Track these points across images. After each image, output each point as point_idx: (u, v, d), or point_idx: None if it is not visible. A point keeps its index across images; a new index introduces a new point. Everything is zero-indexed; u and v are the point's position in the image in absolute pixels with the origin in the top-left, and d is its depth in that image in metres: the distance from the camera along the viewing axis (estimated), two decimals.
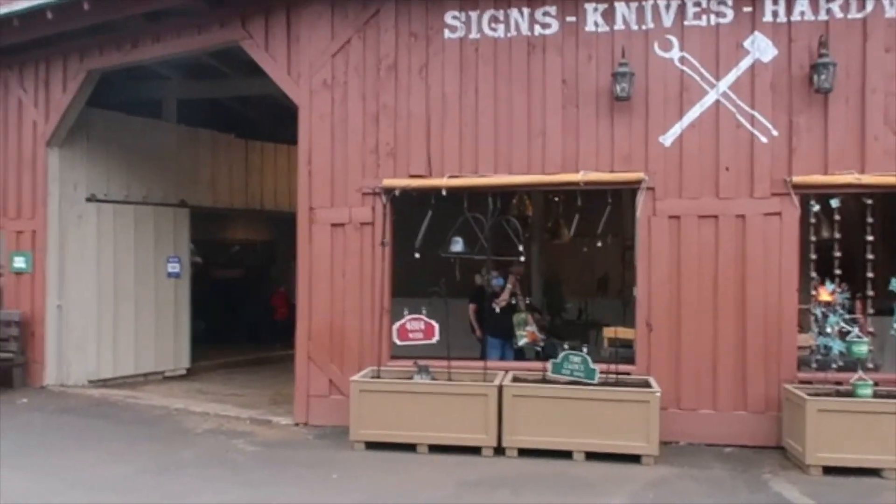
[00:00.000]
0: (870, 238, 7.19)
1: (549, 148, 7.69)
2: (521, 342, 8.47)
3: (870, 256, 7.20)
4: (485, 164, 7.79)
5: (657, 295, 7.47)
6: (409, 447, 6.91)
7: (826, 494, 5.82)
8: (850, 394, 6.55)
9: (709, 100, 7.44)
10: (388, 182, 7.87)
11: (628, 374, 7.34)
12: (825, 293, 6.91)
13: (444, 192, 7.71)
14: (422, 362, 7.35)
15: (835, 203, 7.10)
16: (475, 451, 6.81)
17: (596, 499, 5.73)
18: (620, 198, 8.27)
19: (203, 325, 12.43)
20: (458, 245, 7.76)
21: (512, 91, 7.77)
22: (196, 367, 11.32)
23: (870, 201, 7.20)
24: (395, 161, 7.97)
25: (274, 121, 13.03)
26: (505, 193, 8.30)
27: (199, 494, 5.80)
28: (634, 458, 6.60)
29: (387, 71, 8.03)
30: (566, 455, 6.68)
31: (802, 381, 7.12)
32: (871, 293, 7.13)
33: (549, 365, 7.05)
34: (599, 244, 7.91)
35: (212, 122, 12.23)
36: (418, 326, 7.17)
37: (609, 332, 8.12)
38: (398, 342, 7.28)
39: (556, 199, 11.72)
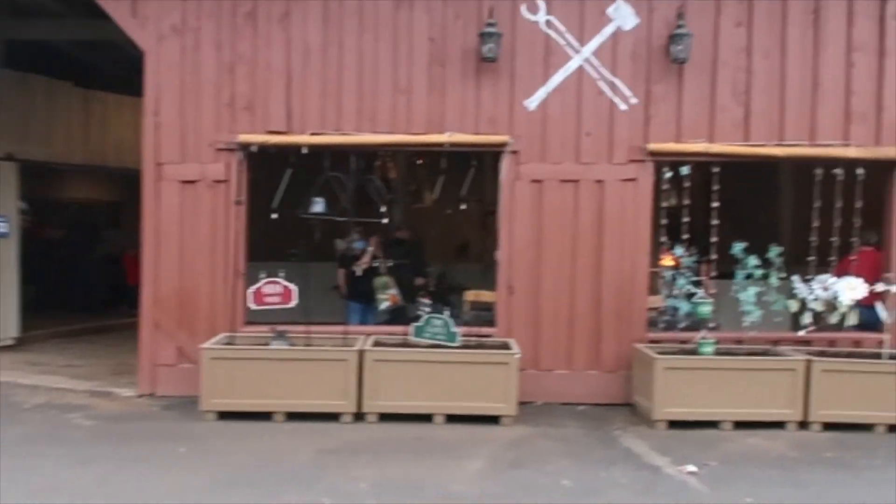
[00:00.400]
0: (715, 205, 7.55)
1: (415, 107, 7.50)
2: (383, 306, 8.32)
3: (714, 222, 7.57)
4: (348, 122, 7.49)
5: (518, 258, 7.52)
6: (266, 416, 6.60)
7: (671, 447, 6.10)
8: (695, 352, 6.90)
9: (573, 65, 7.50)
10: (244, 137, 7.40)
11: (489, 336, 7.38)
12: (669, 258, 7.23)
13: (304, 150, 7.35)
14: (279, 328, 7.03)
15: (685, 170, 7.38)
16: (335, 417, 6.62)
17: (455, 461, 5.70)
18: (483, 161, 8.25)
19: (35, 290, 11.35)
20: (318, 205, 7.44)
21: (378, 47, 7.49)
22: (27, 337, 10.31)
23: (716, 170, 7.54)
24: (253, 115, 7.50)
25: (120, 69, 11.98)
26: (369, 153, 8.07)
27: (26, 474, 5.24)
28: (494, 420, 6.64)
29: (244, 18, 7.50)
30: (427, 419, 6.63)
31: (652, 341, 7.42)
32: (714, 257, 7.49)
33: (411, 328, 6.94)
34: (463, 207, 7.87)
35: (46, 67, 11.06)
36: (275, 290, 6.83)
37: (471, 295, 8.13)
38: (253, 307, 6.91)
39: (420, 161, 11.61)
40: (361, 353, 6.67)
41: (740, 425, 6.66)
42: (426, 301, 7.54)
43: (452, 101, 7.50)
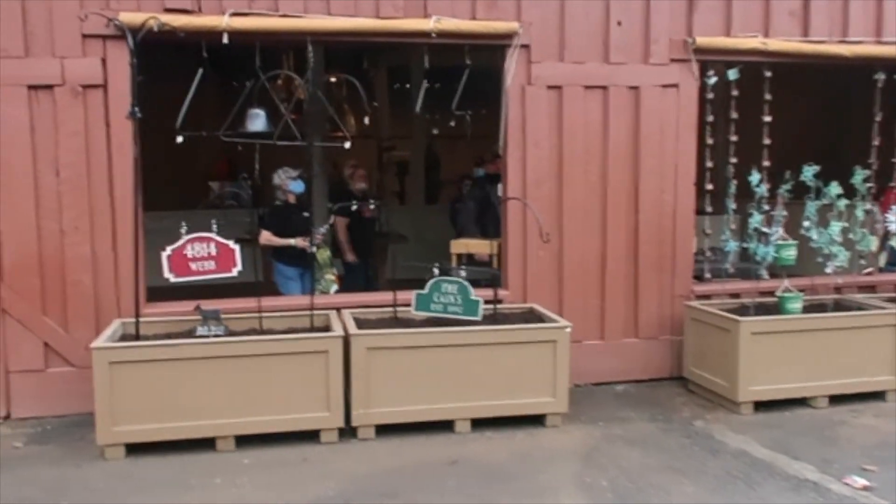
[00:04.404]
0: (767, 119, 5.96)
1: None
2: (332, 290, 5.97)
3: (766, 141, 5.99)
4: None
5: (533, 194, 5.54)
6: (204, 444, 4.31)
7: (788, 443, 4.50)
8: (775, 309, 5.32)
9: None
10: (128, 17, 4.80)
11: (500, 301, 5.40)
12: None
13: (224, 39, 4.90)
14: (206, 305, 4.68)
15: (733, 75, 5.68)
16: (310, 436, 4.44)
17: (537, 499, 3.75)
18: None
19: None
20: (258, 121, 5.01)
21: None
22: None
23: (768, 74, 5.91)
24: None
25: None
26: (322, 44, 5.71)
27: None
28: (534, 420, 4.75)
29: None
30: (441, 427, 4.61)
31: (700, 296, 5.79)
32: (767, 186, 5.91)
33: (413, 298, 4.81)
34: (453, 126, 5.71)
35: None
36: (206, 251, 4.42)
37: (459, 246, 6.08)
38: (173, 278, 4.42)
39: (334, 80, 9.29)
40: (347, 338, 4.49)
41: (833, 400, 5.20)
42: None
43: None
